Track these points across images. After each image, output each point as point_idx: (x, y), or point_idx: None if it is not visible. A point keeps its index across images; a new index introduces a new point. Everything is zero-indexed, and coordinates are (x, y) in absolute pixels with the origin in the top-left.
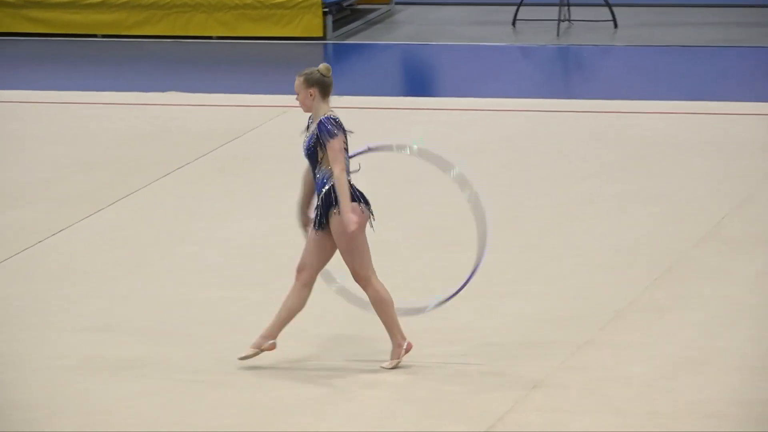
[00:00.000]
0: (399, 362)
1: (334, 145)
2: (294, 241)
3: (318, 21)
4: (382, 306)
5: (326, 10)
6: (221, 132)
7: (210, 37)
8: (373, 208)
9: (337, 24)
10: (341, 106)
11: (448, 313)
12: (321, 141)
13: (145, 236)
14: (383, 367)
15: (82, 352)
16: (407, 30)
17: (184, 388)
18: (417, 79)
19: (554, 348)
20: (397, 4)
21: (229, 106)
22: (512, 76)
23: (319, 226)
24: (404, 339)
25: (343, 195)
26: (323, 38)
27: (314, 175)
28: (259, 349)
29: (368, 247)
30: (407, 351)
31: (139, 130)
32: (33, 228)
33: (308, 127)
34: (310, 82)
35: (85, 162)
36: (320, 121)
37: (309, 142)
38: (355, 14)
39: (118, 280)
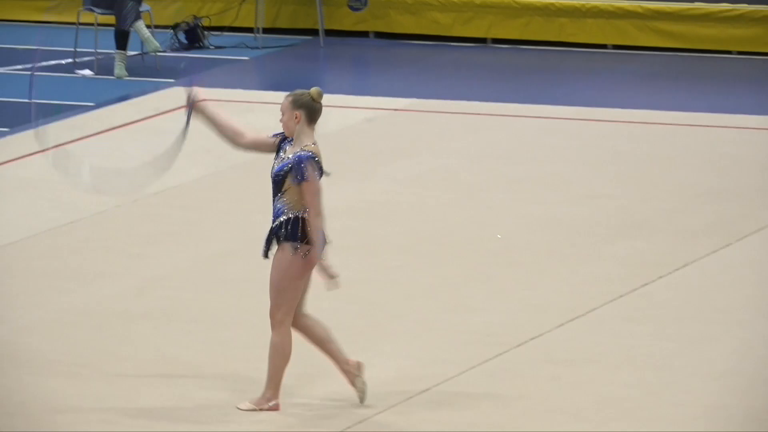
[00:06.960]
0: (255, 410)
1: (310, 188)
2: None
3: None
4: (277, 356)
5: None
6: None
7: None
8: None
9: None
10: None
11: None
12: (295, 177)
13: None
14: (238, 408)
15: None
16: None
17: None
18: None
19: None
20: None
21: None
22: None
23: (265, 256)
24: (275, 398)
25: (317, 240)
26: None
27: (273, 201)
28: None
29: (300, 294)
30: (271, 410)
31: None
32: (655, 260)
33: (284, 149)
34: (297, 104)
35: (713, 190)
36: (300, 158)
37: (282, 167)
38: None
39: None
